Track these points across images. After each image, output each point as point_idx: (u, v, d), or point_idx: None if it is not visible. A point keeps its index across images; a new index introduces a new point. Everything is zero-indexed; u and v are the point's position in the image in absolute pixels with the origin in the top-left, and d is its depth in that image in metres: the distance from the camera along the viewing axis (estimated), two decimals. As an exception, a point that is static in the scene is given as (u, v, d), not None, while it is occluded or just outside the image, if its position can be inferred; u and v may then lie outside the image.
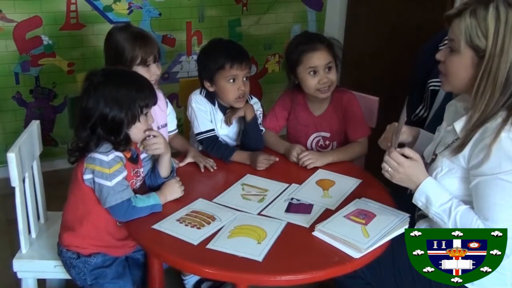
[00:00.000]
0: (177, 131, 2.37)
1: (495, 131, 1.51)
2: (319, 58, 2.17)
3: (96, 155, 1.72)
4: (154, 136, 1.84)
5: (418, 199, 1.63)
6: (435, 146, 1.80)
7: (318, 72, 2.18)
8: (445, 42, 2.01)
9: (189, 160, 2.13)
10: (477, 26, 1.51)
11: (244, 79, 2.17)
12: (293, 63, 2.22)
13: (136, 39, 2.09)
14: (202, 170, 2.08)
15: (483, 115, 1.55)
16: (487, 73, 1.52)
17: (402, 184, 1.65)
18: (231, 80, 2.15)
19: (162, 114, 2.24)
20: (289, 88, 2.33)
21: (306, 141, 2.32)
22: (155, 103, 1.83)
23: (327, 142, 2.32)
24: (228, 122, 2.22)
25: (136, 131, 1.78)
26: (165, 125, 2.26)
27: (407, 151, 1.62)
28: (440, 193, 1.61)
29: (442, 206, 1.59)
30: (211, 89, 2.21)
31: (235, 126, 2.29)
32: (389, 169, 1.62)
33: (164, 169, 1.89)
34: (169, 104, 2.32)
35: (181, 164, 2.10)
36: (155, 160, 1.93)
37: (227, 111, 2.24)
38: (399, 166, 1.61)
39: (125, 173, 1.76)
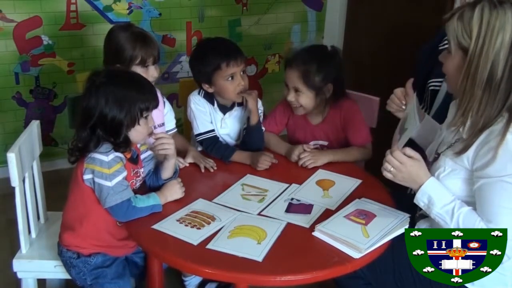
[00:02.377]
0: (176, 130, 2.37)
1: (500, 133, 1.51)
2: (288, 77, 2.20)
3: (96, 155, 1.72)
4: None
5: (420, 200, 1.63)
6: (437, 145, 1.80)
7: (289, 90, 2.20)
8: (445, 42, 2.02)
9: (189, 160, 2.12)
10: (463, 28, 1.54)
11: (241, 73, 2.17)
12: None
13: (137, 39, 2.09)
14: (203, 170, 2.08)
15: (472, 115, 1.56)
16: (468, 72, 1.54)
17: (404, 184, 1.65)
18: (230, 78, 2.15)
19: (159, 114, 2.23)
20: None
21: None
22: (156, 106, 1.83)
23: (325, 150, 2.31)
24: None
25: (136, 134, 1.78)
26: (162, 124, 2.26)
27: (408, 150, 1.62)
28: (442, 194, 1.60)
29: (444, 207, 1.58)
30: (210, 90, 2.21)
31: (235, 125, 2.29)
32: (392, 168, 1.62)
33: (167, 172, 1.89)
34: (167, 103, 2.32)
35: (182, 166, 2.09)
36: (159, 162, 1.93)
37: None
38: (402, 165, 1.60)
39: (125, 173, 1.76)
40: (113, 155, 1.73)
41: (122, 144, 1.75)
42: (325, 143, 2.31)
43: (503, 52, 1.50)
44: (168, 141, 1.85)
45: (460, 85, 1.57)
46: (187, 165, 2.10)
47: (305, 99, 2.18)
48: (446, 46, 1.66)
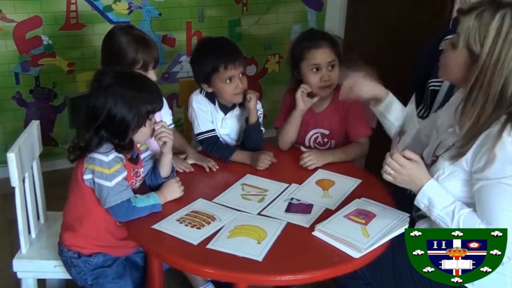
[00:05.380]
0: (173, 125, 2.35)
1: (497, 135, 1.51)
2: (321, 56, 2.18)
3: (96, 155, 1.72)
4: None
5: (421, 201, 1.62)
6: (435, 147, 1.79)
7: (321, 69, 2.19)
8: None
9: (190, 161, 2.12)
10: (477, 30, 1.50)
11: (240, 75, 2.17)
12: (297, 58, 2.23)
13: (140, 43, 2.09)
14: (207, 170, 2.07)
15: (476, 126, 1.55)
16: (480, 83, 1.52)
17: (404, 186, 1.64)
18: (228, 81, 2.14)
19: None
20: (291, 86, 2.33)
21: (304, 137, 2.33)
22: (161, 107, 1.84)
23: (325, 140, 2.32)
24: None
25: (140, 135, 1.78)
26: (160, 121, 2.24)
27: (408, 153, 1.61)
28: (442, 196, 1.60)
29: (445, 209, 1.58)
30: (209, 90, 2.21)
31: (236, 125, 2.29)
32: (391, 171, 1.61)
33: (165, 169, 1.89)
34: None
35: (188, 171, 2.08)
36: (156, 159, 1.93)
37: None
38: (402, 168, 1.60)
39: (125, 174, 1.76)
40: (113, 155, 1.73)
41: (127, 146, 1.75)
42: (326, 132, 2.31)
43: None
44: (167, 130, 1.85)
45: (469, 94, 1.54)
46: (192, 169, 2.09)
47: (336, 72, 2.22)
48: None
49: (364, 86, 2.01)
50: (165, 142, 1.86)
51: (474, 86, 1.53)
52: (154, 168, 1.92)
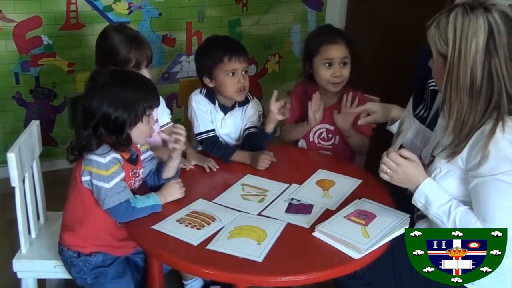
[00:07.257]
0: (172, 124, 2.33)
1: (490, 132, 1.52)
2: (336, 51, 2.21)
3: (93, 157, 1.72)
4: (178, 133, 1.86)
5: (418, 200, 1.63)
6: (432, 147, 1.80)
7: (333, 65, 2.20)
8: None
9: (193, 162, 2.11)
10: (439, 35, 1.58)
11: (243, 72, 2.18)
12: (311, 52, 2.26)
13: (132, 42, 2.09)
14: (208, 170, 2.07)
15: (462, 122, 1.57)
16: (450, 79, 1.57)
17: (401, 185, 1.65)
18: (231, 74, 2.15)
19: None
20: (301, 81, 2.36)
21: (309, 132, 2.34)
22: (158, 105, 1.84)
23: (330, 135, 2.33)
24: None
25: (137, 132, 1.78)
26: (156, 120, 2.24)
27: (404, 152, 1.63)
28: (439, 194, 1.61)
29: (441, 207, 1.59)
30: (210, 85, 2.21)
31: (236, 126, 2.29)
32: (388, 170, 1.62)
33: (170, 172, 1.89)
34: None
35: (188, 168, 2.08)
36: (161, 161, 1.93)
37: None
38: (398, 167, 1.61)
39: (122, 175, 1.76)
40: (110, 156, 1.73)
41: (124, 142, 1.75)
42: (331, 127, 2.33)
43: (479, 57, 1.52)
44: (183, 136, 1.85)
45: (444, 92, 1.60)
46: (193, 167, 2.09)
47: (348, 70, 2.25)
48: None
49: (379, 109, 2.06)
50: (175, 148, 1.86)
51: (446, 84, 1.58)
52: (158, 169, 1.91)
